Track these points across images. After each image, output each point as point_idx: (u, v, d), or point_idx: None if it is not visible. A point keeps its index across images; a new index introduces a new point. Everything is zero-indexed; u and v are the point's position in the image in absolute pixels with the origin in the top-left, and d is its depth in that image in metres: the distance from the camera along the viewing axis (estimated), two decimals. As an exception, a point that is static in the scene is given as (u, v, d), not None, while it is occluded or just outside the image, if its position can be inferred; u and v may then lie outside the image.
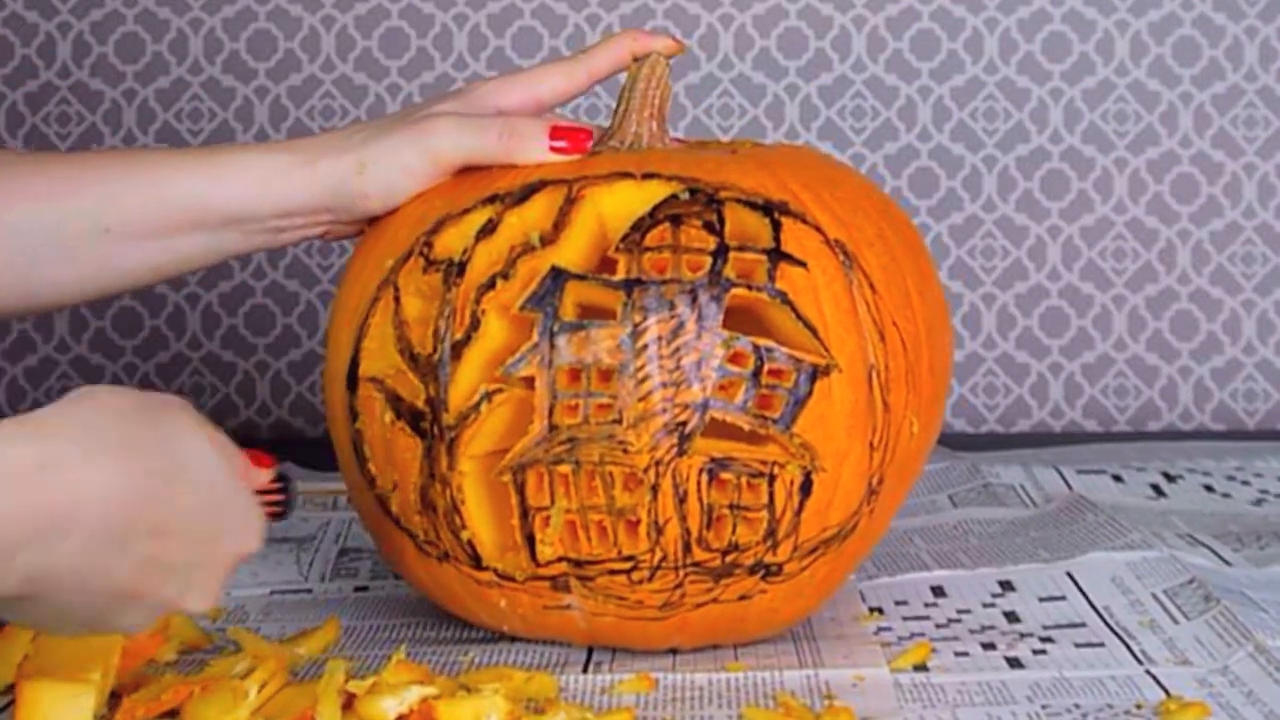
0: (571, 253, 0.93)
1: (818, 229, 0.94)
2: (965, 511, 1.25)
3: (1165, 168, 1.57)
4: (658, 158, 0.97)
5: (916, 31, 1.57)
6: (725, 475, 0.91)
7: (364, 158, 1.01)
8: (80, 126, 1.57)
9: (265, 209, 1.03)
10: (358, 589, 1.10)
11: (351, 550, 1.18)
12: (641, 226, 0.93)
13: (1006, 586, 1.07)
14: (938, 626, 1.01)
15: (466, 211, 0.96)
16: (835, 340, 0.92)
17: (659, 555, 0.92)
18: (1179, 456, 1.41)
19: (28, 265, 1.04)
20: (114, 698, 0.88)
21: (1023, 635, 0.99)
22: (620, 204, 0.94)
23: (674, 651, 0.97)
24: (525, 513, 0.92)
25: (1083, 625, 1.01)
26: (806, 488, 0.92)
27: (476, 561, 0.94)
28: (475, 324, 0.93)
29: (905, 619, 1.03)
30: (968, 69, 1.57)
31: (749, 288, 0.92)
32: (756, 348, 0.91)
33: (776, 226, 0.93)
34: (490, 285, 0.93)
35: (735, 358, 0.91)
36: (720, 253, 0.92)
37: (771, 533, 0.92)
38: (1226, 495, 1.31)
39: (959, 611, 1.04)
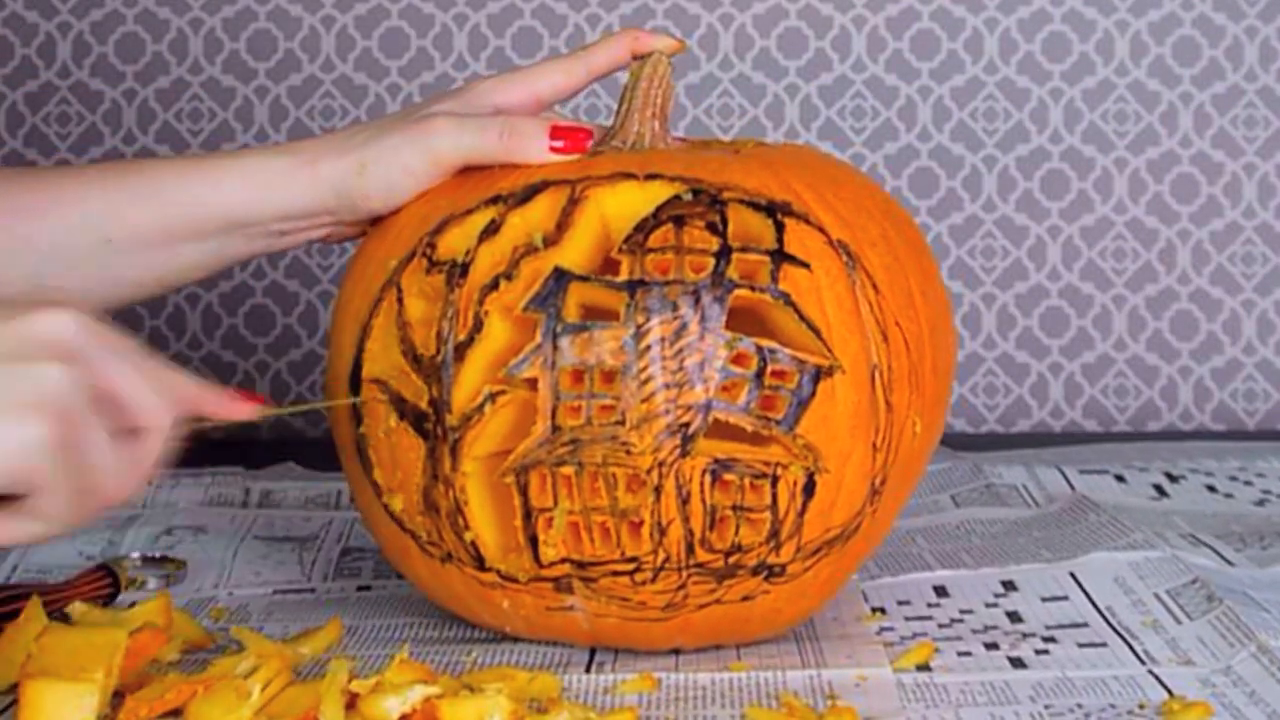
0: (574, 253, 0.93)
1: (821, 229, 0.94)
2: (968, 511, 1.25)
3: (1165, 168, 1.57)
4: (660, 158, 0.97)
5: (916, 31, 1.57)
6: (728, 476, 0.91)
7: (364, 158, 1.01)
8: (80, 126, 1.57)
9: (267, 213, 1.04)
10: (360, 589, 1.10)
11: (354, 550, 1.18)
12: (645, 227, 0.93)
13: (1009, 586, 1.07)
14: (940, 626, 1.01)
15: (469, 212, 0.96)
16: (838, 341, 0.92)
17: (662, 556, 0.92)
18: (1180, 456, 1.41)
19: (33, 278, 1.05)
20: (117, 697, 0.88)
21: (1025, 635, 0.99)
22: (623, 204, 0.94)
23: (677, 652, 0.97)
24: (528, 514, 0.92)
25: (1085, 625, 1.01)
26: (809, 489, 0.92)
27: (480, 563, 0.94)
28: (478, 325, 0.93)
29: (908, 619, 1.03)
30: (968, 69, 1.57)
31: (752, 289, 0.92)
32: (759, 349, 0.91)
33: (779, 227, 0.93)
34: (493, 286, 0.93)
35: (738, 359, 0.91)
36: (723, 254, 0.92)
37: (774, 534, 0.92)
38: (1229, 495, 1.31)
39: (962, 611, 1.04)
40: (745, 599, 0.94)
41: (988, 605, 1.05)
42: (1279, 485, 1.34)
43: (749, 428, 0.91)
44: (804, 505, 0.92)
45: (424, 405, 0.94)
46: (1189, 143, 1.57)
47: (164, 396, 0.86)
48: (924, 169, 1.58)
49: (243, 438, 1.58)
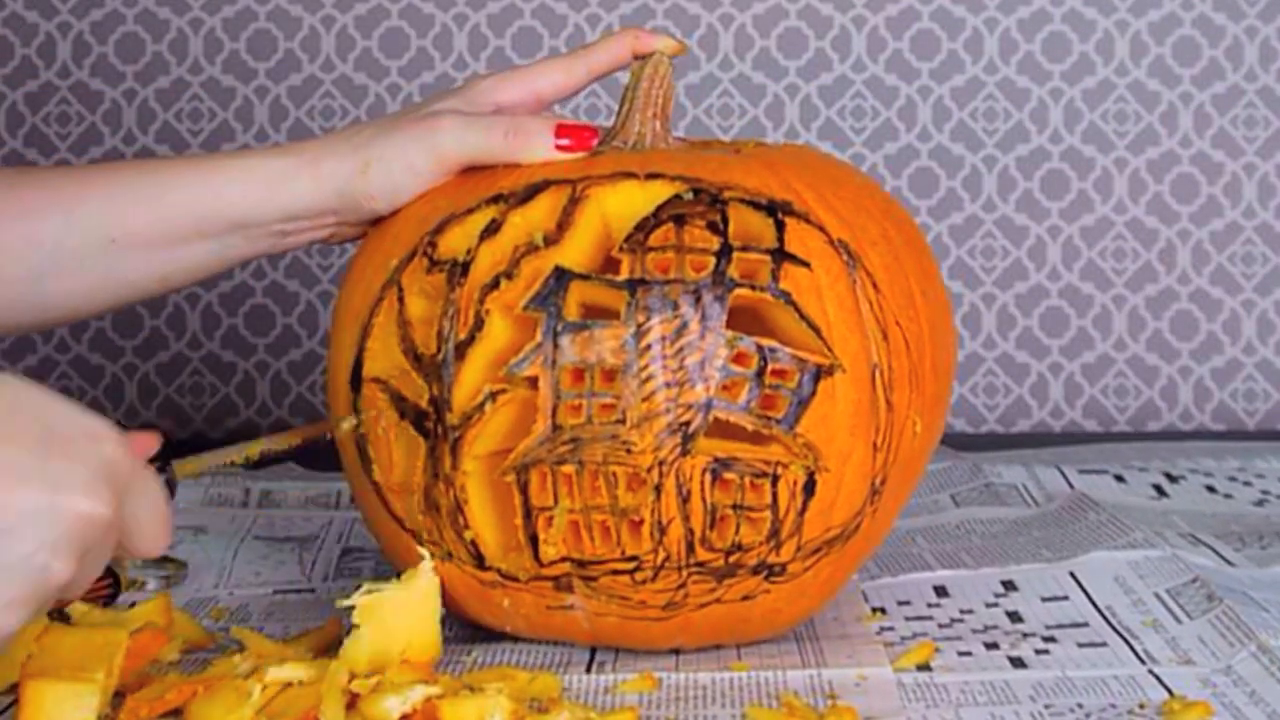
0: (575, 253, 0.93)
1: (821, 229, 0.94)
2: (967, 511, 1.25)
3: (1165, 168, 1.57)
4: (661, 158, 0.97)
5: (916, 31, 1.57)
6: (728, 475, 0.91)
7: (368, 158, 1.01)
8: (80, 126, 1.57)
9: (270, 213, 1.04)
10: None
11: (354, 550, 1.18)
12: (645, 226, 0.93)
13: (1009, 586, 1.07)
14: (941, 626, 1.01)
15: (470, 211, 0.96)
16: (838, 340, 0.92)
17: (662, 555, 0.92)
18: (1180, 456, 1.41)
19: (37, 278, 1.05)
20: (118, 696, 0.88)
21: (1025, 635, 0.99)
22: (624, 204, 0.94)
23: (677, 651, 0.97)
24: (529, 513, 0.92)
25: (1085, 625, 1.01)
26: (810, 488, 0.92)
27: (480, 561, 0.94)
28: (479, 324, 0.93)
29: (908, 619, 1.03)
30: (968, 69, 1.57)
31: (753, 288, 0.92)
32: (760, 348, 0.91)
33: (780, 226, 0.93)
34: (494, 285, 0.93)
35: (739, 358, 0.91)
36: (724, 253, 0.92)
37: (775, 533, 0.92)
38: (1228, 496, 1.31)
39: (962, 611, 1.04)
40: (745, 598, 0.94)
41: (988, 605, 1.05)
42: (1278, 485, 1.34)
43: (749, 427, 0.91)
44: (804, 504, 0.92)
45: (424, 404, 0.94)
46: (1189, 143, 1.57)
47: (161, 534, 0.85)
48: (924, 169, 1.58)
49: (242, 438, 1.58)
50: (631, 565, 0.92)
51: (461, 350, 0.93)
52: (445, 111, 1.02)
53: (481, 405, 0.93)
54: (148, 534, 0.84)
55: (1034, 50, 1.57)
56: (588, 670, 0.95)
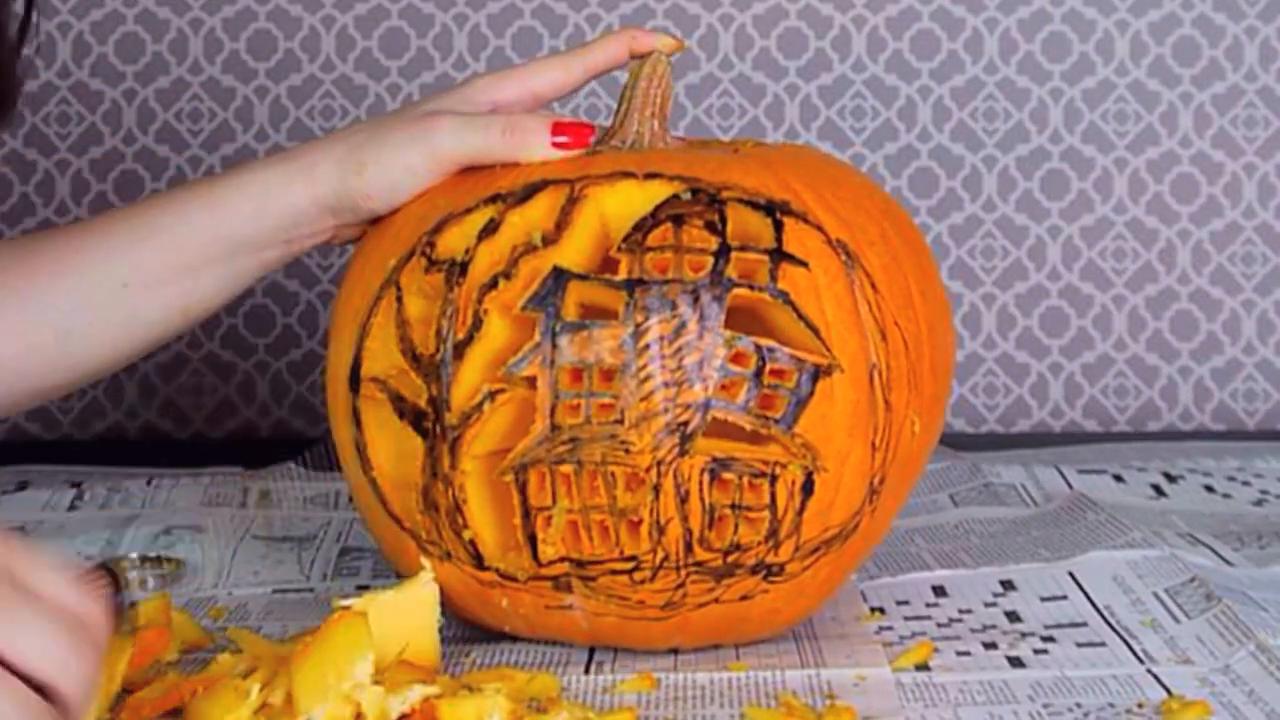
0: (573, 252, 0.93)
1: (819, 229, 0.94)
2: (966, 511, 1.25)
3: (1165, 168, 1.57)
4: (660, 157, 0.97)
5: (916, 31, 1.57)
6: (727, 475, 0.91)
7: (364, 159, 1.02)
8: (80, 126, 1.57)
9: (271, 226, 1.04)
10: (359, 588, 1.10)
11: (353, 549, 1.18)
12: (644, 226, 0.93)
13: (1008, 586, 1.08)
14: (939, 626, 1.01)
15: (469, 211, 0.96)
16: (837, 340, 0.92)
17: (661, 555, 0.92)
18: (1179, 456, 1.41)
19: (64, 338, 1.06)
20: (119, 695, 0.88)
21: (1024, 635, 0.99)
22: (622, 204, 0.94)
23: (675, 651, 0.97)
24: (527, 513, 0.92)
25: (1084, 624, 1.01)
26: (808, 488, 0.92)
27: (478, 561, 0.94)
28: (477, 324, 0.93)
29: (907, 618, 1.03)
30: (968, 69, 1.57)
31: (751, 288, 0.92)
32: (758, 348, 0.91)
33: (778, 226, 0.93)
34: (492, 285, 0.93)
35: (737, 358, 0.91)
36: (722, 253, 0.92)
37: (773, 533, 0.92)
38: (1227, 495, 1.31)
39: (960, 611, 1.04)
40: (744, 598, 0.94)
41: (986, 605, 1.05)
42: (1277, 485, 1.34)
43: (748, 426, 0.91)
44: (802, 504, 0.92)
45: (423, 404, 0.94)
46: (1189, 143, 1.57)
47: (60, 655, 0.74)
48: (924, 169, 1.58)
49: (242, 438, 1.58)
50: (630, 565, 0.92)
51: (460, 350, 0.93)
52: (442, 111, 1.02)
53: (480, 405, 0.93)
54: (36, 659, 0.73)
55: (1034, 50, 1.57)
56: (586, 670, 0.95)
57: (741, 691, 0.91)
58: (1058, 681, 0.92)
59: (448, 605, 0.98)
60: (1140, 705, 0.89)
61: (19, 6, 1.09)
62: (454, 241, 0.95)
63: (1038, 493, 1.30)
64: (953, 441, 1.43)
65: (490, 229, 0.95)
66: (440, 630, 0.92)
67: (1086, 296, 1.58)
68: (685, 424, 0.91)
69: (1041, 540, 1.16)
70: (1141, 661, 0.95)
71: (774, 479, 0.91)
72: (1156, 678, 0.93)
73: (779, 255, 0.93)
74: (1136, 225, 1.58)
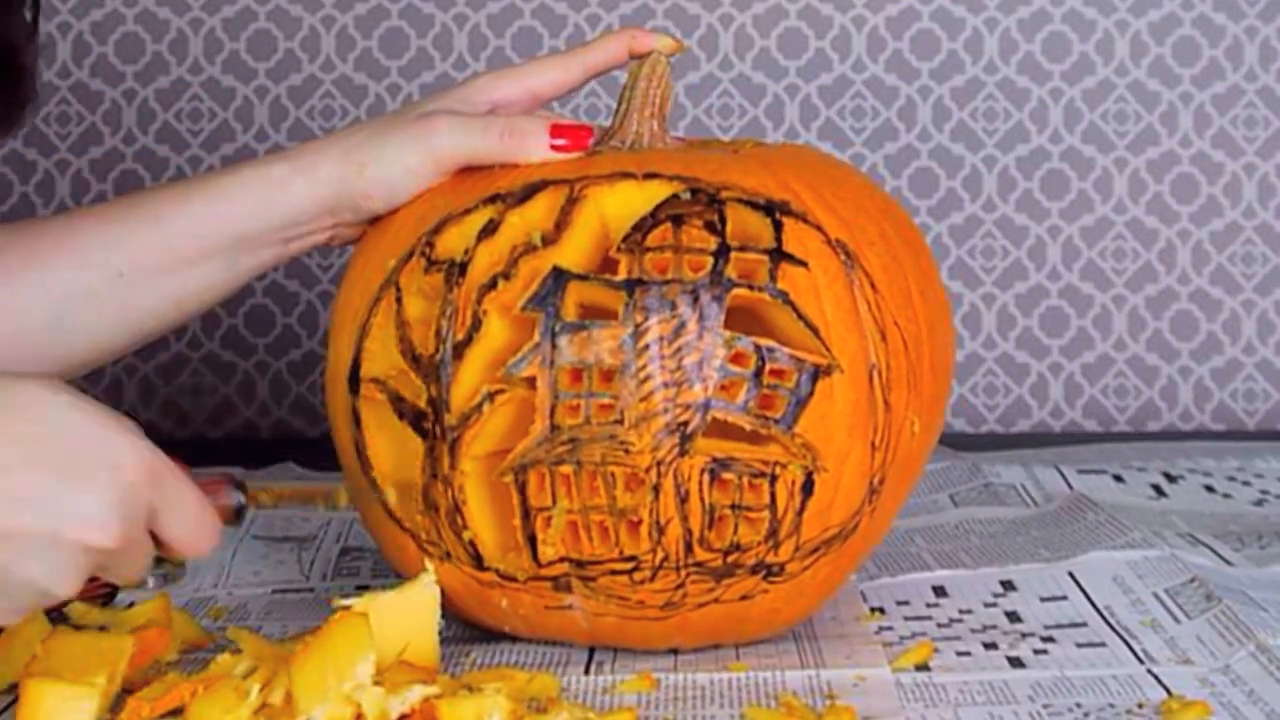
0: (573, 253, 0.93)
1: (819, 229, 0.94)
2: (966, 511, 1.25)
3: (1165, 168, 1.57)
4: (659, 157, 0.97)
5: (916, 31, 1.57)
6: (727, 475, 0.91)
7: (364, 159, 1.02)
8: (80, 126, 1.57)
9: (269, 223, 1.04)
10: (359, 588, 1.09)
11: (353, 550, 1.18)
12: (643, 227, 0.93)
13: (1008, 586, 1.07)
14: (939, 626, 1.01)
15: (468, 211, 0.96)
16: (837, 340, 0.92)
17: (660, 555, 0.92)
18: (1179, 456, 1.41)
19: (54, 325, 1.06)
20: (120, 695, 0.88)
21: (1024, 635, 0.99)
22: (622, 204, 0.94)
23: (675, 652, 0.97)
24: (527, 513, 0.92)
25: (1084, 625, 1.01)
26: (808, 488, 0.92)
27: (478, 562, 0.94)
28: (477, 324, 0.93)
29: (907, 619, 1.03)
30: (968, 69, 1.57)
31: (750, 288, 0.92)
32: (758, 348, 0.91)
33: (778, 226, 0.93)
34: (492, 285, 0.93)
35: (737, 358, 0.91)
36: (722, 253, 0.92)
37: (773, 533, 0.92)
38: (1227, 495, 1.31)
39: (960, 611, 1.04)
40: (744, 598, 0.94)
41: (986, 605, 1.04)
42: (1277, 485, 1.34)
43: (747, 426, 0.91)
44: (802, 504, 0.92)
45: (422, 404, 0.94)
46: (1189, 143, 1.57)
47: (200, 539, 0.89)
48: (924, 169, 1.58)
49: (242, 438, 1.58)
50: (630, 565, 0.92)
51: (459, 350, 0.93)
52: (441, 112, 1.02)
53: (479, 405, 0.93)
54: (182, 542, 0.88)
55: (1034, 50, 1.57)
56: (586, 670, 0.95)
57: (741, 692, 0.91)
58: (1058, 682, 0.92)
59: (447, 605, 0.98)
60: (1140, 705, 0.89)
61: (27, 13, 1.09)
62: (453, 242, 0.95)
63: (1038, 493, 1.30)
64: (953, 441, 1.43)
65: (490, 229, 0.95)
66: (440, 630, 0.92)
67: (1086, 296, 1.58)
68: (685, 424, 0.91)
69: (1041, 540, 1.16)
70: (1141, 662, 0.95)
71: (774, 479, 0.91)
72: (1156, 678, 0.93)
73: (778, 255, 0.92)
74: (1136, 225, 1.58)
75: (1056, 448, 1.45)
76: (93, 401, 0.84)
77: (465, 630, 1.00)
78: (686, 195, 0.93)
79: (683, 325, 0.91)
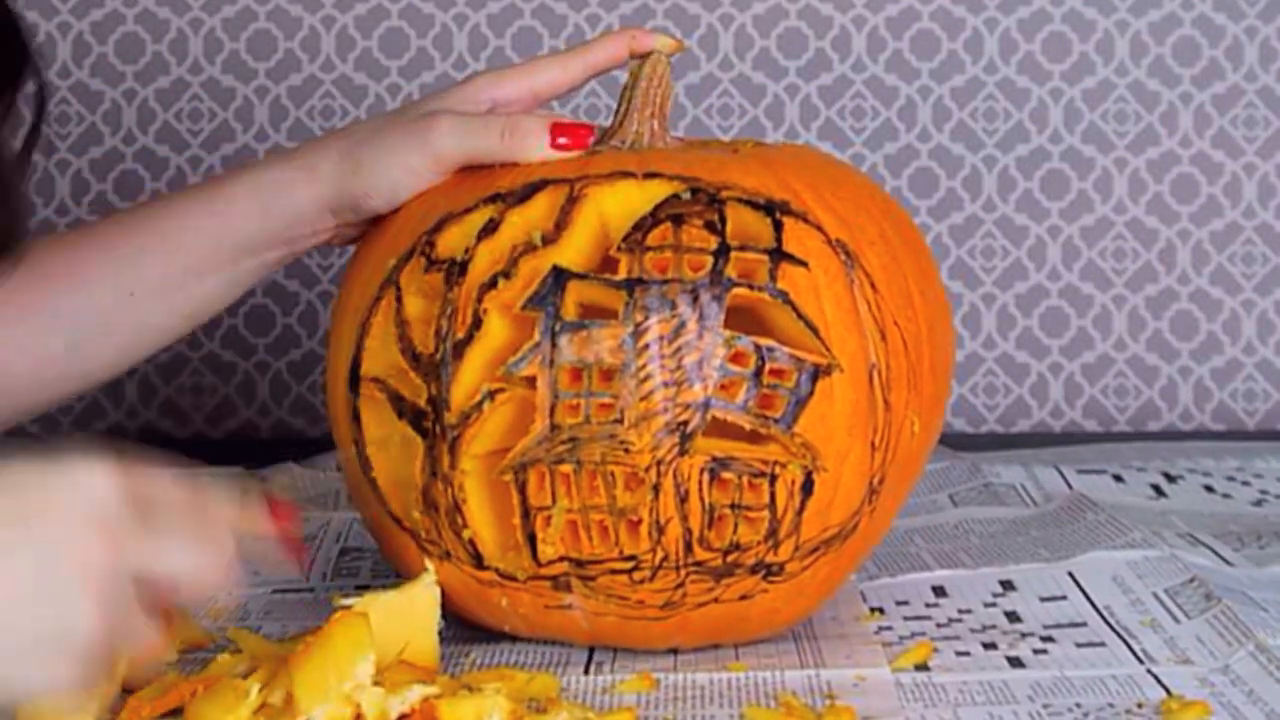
0: (573, 252, 0.93)
1: (819, 229, 0.94)
2: (966, 511, 1.25)
3: (1165, 168, 1.57)
4: (659, 157, 0.97)
5: (916, 31, 1.57)
6: (726, 475, 0.91)
7: (362, 159, 1.02)
8: (80, 126, 1.57)
9: (273, 226, 1.04)
10: (359, 588, 1.09)
11: (353, 550, 1.18)
12: (643, 226, 0.93)
13: (1007, 586, 1.07)
14: (939, 626, 1.01)
15: (468, 211, 0.96)
16: (836, 340, 0.92)
17: (660, 555, 0.92)
18: (1179, 456, 1.41)
19: (73, 349, 1.07)
20: (123, 694, 0.88)
21: (1024, 635, 0.99)
22: (622, 203, 0.94)
23: (675, 651, 0.97)
24: (526, 512, 0.92)
25: (1084, 625, 1.01)
26: (808, 487, 0.92)
27: (478, 561, 0.94)
28: (477, 323, 0.93)
29: (906, 619, 1.03)
30: (968, 69, 1.57)
31: (750, 287, 0.92)
32: (758, 347, 0.91)
33: (778, 226, 0.93)
34: (492, 284, 0.93)
35: (736, 357, 0.91)
36: (722, 252, 0.92)
37: (773, 532, 0.92)
38: (1227, 495, 1.31)
39: (960, 611, 1.04)
40: (743, 598, 0.94)
41: (986, 605, 1.05)
42: (1277, 485, 1.34)
43: (747, 426, 0.91)
44: (802, 504, 0.92)
45: (422, 403, 0.94)
46: (1189, 143, 1.57)
47: (209, 556, 0.81)
48: (924, 169, 1.58)
49: (242, 438, 1.58)
50: (629, 565, 0.92)
51: (459, 350, 0.93)
52: (441, 112, 1.02)
53: (479, 404, 0.93)
54: (189, 577, 0.81)
55: (1034, 50, 1.57)
56: (586, 671, 0.95)
57: (741, 691, 0.91)
58: (1057, 681, 0.92)
59: (447, 605, 0.98)
60: (1140, 705, 0.89)
61: (27, 112, 1.09)
62: (454, 241, 0.95)
63: (1037, 493, 1.30)
64: (953, 441, 1.43)
65: (490, 228, 0.95)
66: (440, 631, 0.92)
67: (1086, 296, 1.58)
68: (685, 424, 0.91)
69: (1041, 540, 1.16)
70: (1141, 661, 0.95)
71: (773, 479, 0.91)
72: (1156, 678, 0.93)
73: (779, 255, 0.93)
74: (1136, 225, 1.58)
75: (1056, 448, 1.45)
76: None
77: (465, 630, 1.00)
78: (687, 195, 0.94)
79: (683, 325, 0.91)
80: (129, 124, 1.57)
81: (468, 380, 0.93)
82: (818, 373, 0.92)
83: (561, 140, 0.98)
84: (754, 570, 0.93)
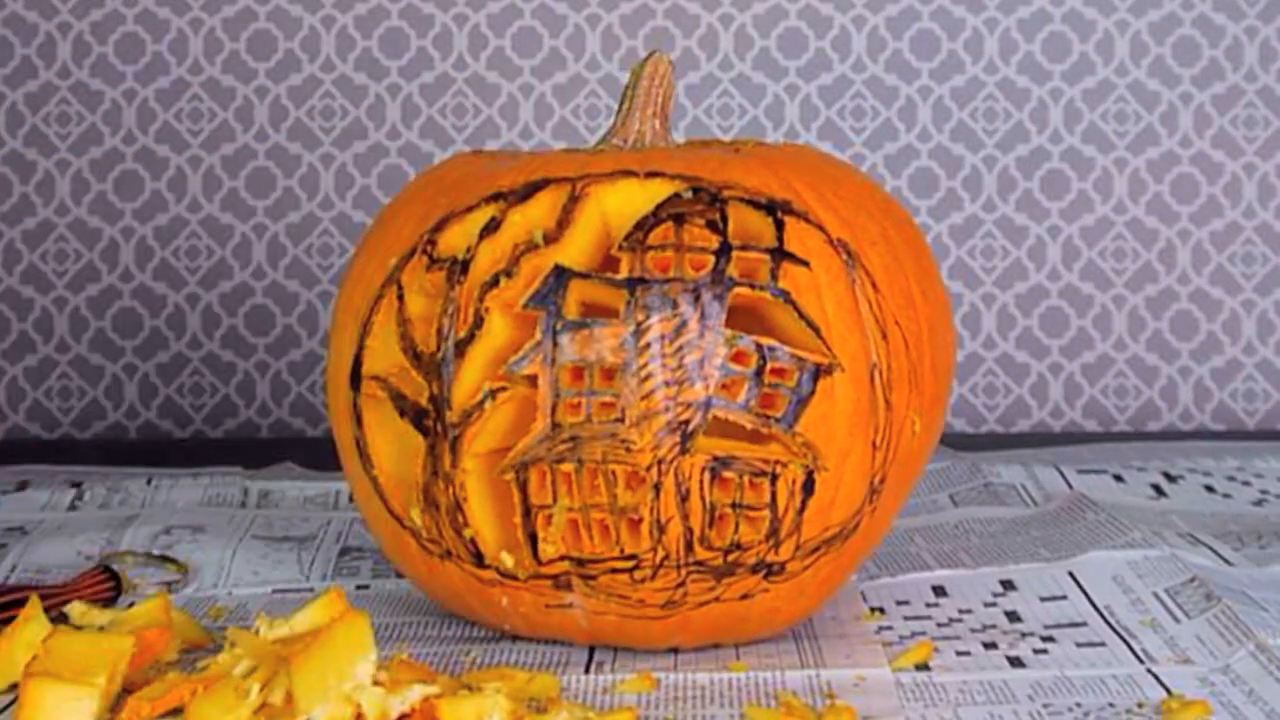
0: (575, 251, 0.93)
1: (821, 228, 0.94)
2: (966, 511, 1.25)
3: (1165, 168, 1.57)
4: (661, 156, 0.97)
5: (916, 31, 1.57)
6: (727, 474, 0.91)
7: None
8: (80, 126, 1.57)
9: None
10: (359, 588, 1.10)
11: (353, 549, 1.18)
12: (645, 225, 0.93)
13: (1008, 586, 1.08)
14: (939, 626, 1.01)
15: (470, 209, 0.96)
16: (838, 339, 0.92)
17: (661, 554, 0.92)
18: (1179, 456, 1.41)
19: None
20: (121, 695, 0.88)
21: (1024, 634, 0.99)
22: (624, 202, 0.94)
23: (675, 651, 0.97)
24: (528, 511, 0.92)
25: (1084, 624, 1.01)
26: (809, 487, 0.92)
27: (479, 559, 0.94)
28: (479, 322, 0.93)
29: (907, 618, 1.03)
30: (968, 69, 1.57)
31: (752, 287, 0.92)
32: (759, 346, 0.91)
33: (780, 226, 0.93)
34: (494, 283, 0.93)
35: (738, 356, 0.91)
36: (723, 251, 0.92)
37: (774, 532, 0.92)
38: (1227, 495, 1.31)
39: (960, 611, 1.04)
40: (744, 597, 0.94)
41: (986, 605, 1.05)
42: (1277, 485, 1.34)
43: (749, 425, 0.91)
44: (803, 503, 0.92)
45: (424, 402, 0.94)
46: (1189, 143, 1.57)
47: None
48: (924, 169, 1.58)
49: (242, 438, 1.58)
50: (630, 564, 0.92)
51: (461, 348, 0.93)
52: None
53: (481, 403, 0.93)
54: None
55: (1034, 50, 1.57)
56: (586, 670, 0.95)
57: (741, 691, 0.91)
58: (1057, 681, 0.92)
59: (448, 604, 0.98)
60: (1140, 705, 0.89)
61: None
62: (455, 239, 0.95)
63: (1038, 493, 1.30)
64: (953, 441, 1.43)
65: (492, 227, 0.95)
66: (441, 630, 0.92)
67: (1086, 296, 1.58)
68: (686, 423, 0.91)
69: (1041, 540, 1.16)
70: (1141, 661, 0.95)
71: (775, 478, 0.91)
72: (1156, 677, 0.93)
73: (780, 254, 0.93)
74: (1136, 225, 1.58)
75: (1056, 448, 1.45)
76: None
77: (465, 630, 1.00)
78: (688, 194, 0.94)
79: (684, 324, 0.91)
80: (129, 124, 1.57)
81: (469, 379, 0.93)
82: (819, 372, 0.92)
83: None
84: (755, 570, 0.93)
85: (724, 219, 0.93)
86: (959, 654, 0.97)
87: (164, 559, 1.13)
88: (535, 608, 0.95)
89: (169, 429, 1.59)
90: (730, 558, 0.92)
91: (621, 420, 0.91)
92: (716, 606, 0.94)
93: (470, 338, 0.93)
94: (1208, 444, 1.47)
